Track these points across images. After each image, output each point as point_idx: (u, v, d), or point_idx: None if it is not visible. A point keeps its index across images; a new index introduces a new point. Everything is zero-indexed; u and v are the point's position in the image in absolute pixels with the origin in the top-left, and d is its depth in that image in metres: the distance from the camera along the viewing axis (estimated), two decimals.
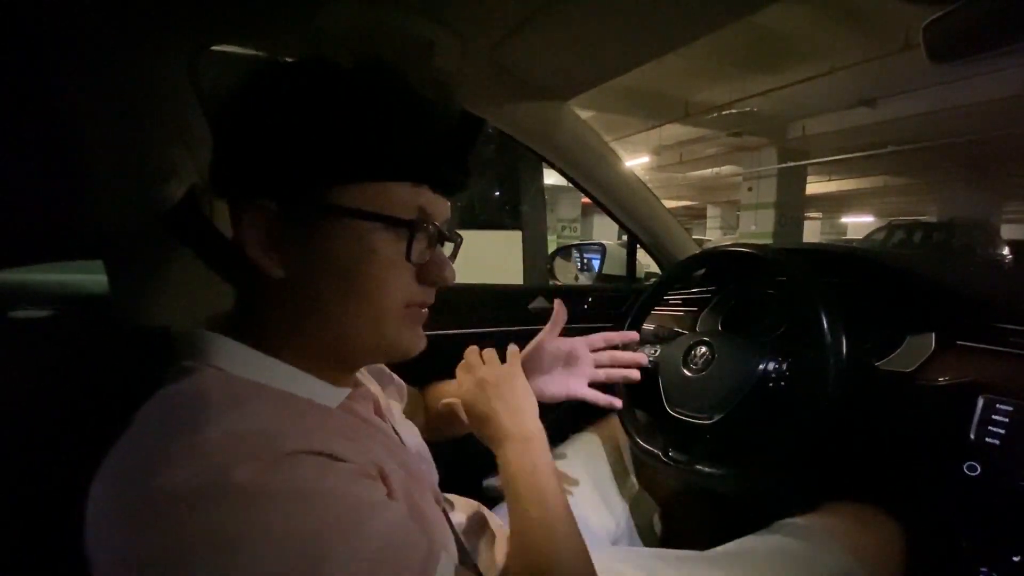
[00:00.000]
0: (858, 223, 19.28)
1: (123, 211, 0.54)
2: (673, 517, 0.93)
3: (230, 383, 0.35)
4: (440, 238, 0.43)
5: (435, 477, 0.55)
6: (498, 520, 0.68)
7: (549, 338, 0.69)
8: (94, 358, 0.51)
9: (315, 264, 0.37)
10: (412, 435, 0.55)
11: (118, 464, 0.31)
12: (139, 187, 0.56)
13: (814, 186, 11.44)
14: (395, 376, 0.65)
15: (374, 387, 0.54)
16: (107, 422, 0.33)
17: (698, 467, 0.73)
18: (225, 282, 0.44)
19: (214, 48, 0.68)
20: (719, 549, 0.69)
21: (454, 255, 0.48)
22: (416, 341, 0.44)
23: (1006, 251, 7.51)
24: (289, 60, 0.39)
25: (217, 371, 0.36)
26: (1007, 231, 11.86)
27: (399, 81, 0.38)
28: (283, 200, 0.37)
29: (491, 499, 0.80)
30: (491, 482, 1.00)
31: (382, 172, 0.38)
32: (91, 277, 0.60)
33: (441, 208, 0.42)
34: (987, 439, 0.61)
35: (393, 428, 0.51)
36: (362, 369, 0.55)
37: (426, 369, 0.74)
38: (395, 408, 0.58)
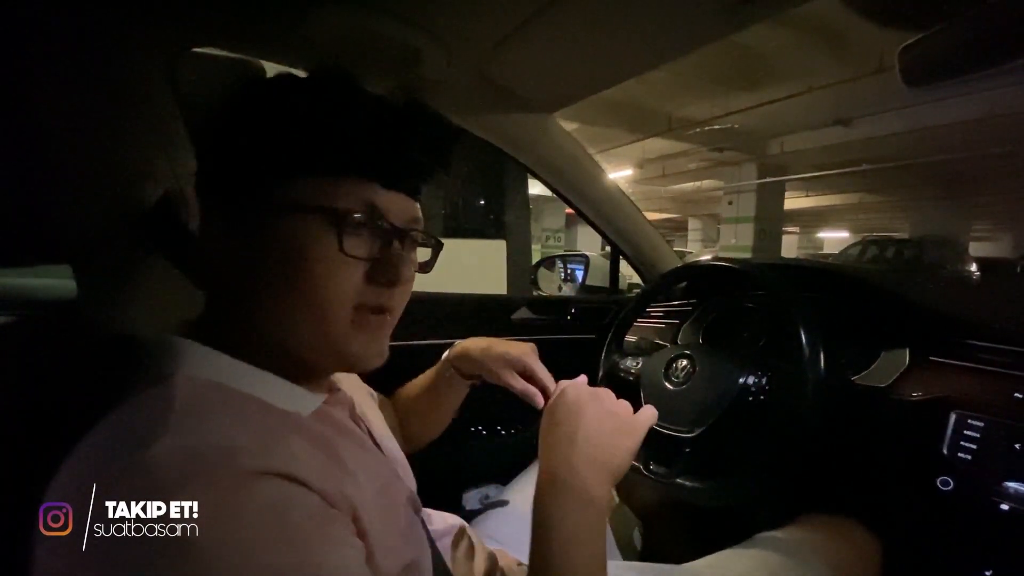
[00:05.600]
0: (834, 238, 19.79)
1: (94, 214, 0.52)
2: (653, 530, 0.93)
3: (198, 390, 0.33)
4: (394, 235, 0.40)
5: (413, 485, 0.54)
6: (476, 534, 0.67)
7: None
8: (61, 365, 0.49)
9: (261, 263, 0.37)
10: (390, 443, 0.54)
11: (66, 479, 0.29)
12: (112, 190, 0.54)
13: (792, 201, 11.71)
14: (366, 386, 0.64)
15: (351, 390, 0.53)
16: (74, 432, 0.31)
17: (678, 480, 0.73)
18: (197, 288, 0.43)
19: (195, 50, 0.67)
20: (699, 562, 0.69)
21: (432, 262, 0.46)
22: (370, 350, 0.40)
23: (973, 267, 7.78)
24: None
25: (187, 378, 0.34)
26: (974, 249, 12.27)
27: (340, 75, 0.38)
28: (231, 198, 0.38)
29: (469, 512, 0.79)
30: (470, 495, 0.99)
31: (321, 166, 0.37)
32: (57, 282, 0.58)
33: (397, 206, 0.40)
34: (959, 454, 0.62)
35: (370, 433, 0.50)
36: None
37: (406, 379, 0.73)
38: (371, 413, 0.56)
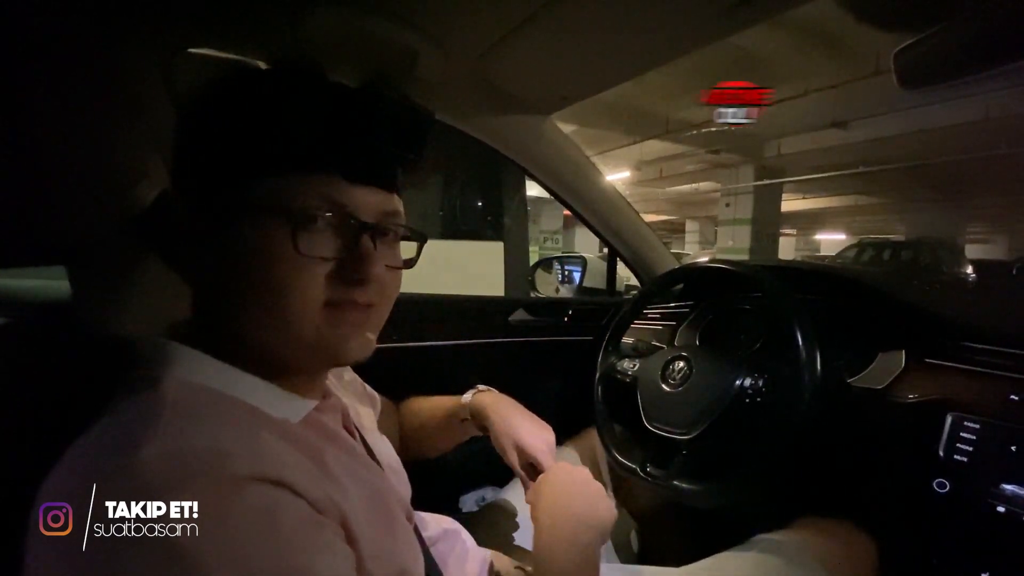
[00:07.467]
0: (831, 240, 19.87)
1: (89, 215, 0.52)
2: (650, 533, 0.93)
3: (188, 395, 0.33)
4: (363, 231, 0.38)
5: (407, 492, 0.54)
6: (473, 537, 0.67)
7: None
8: (54, 367, 0.49)
9: (232, 265, 0.36)
10: (384, 448, 0.54)
11: (61, 480, 0.29)
12: (107, 191, 0.54)
13: (789, 203, 11.76)
14: (367, 387, 0.64)
15: (345, 396, 0.52)
16: (67, 434, 0.31)
17: (675, 482, 0.73)
18: (192, 289, 0.42)
19: (191, 51, 0.67)
20: (695, 565, 0.69)
21: (416, 257, 0.44)
22: (350, 344, 0.39)
23: (969, 270, 7.81)
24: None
25: (177, 382, 0.34)
26: (970, 251, 12.32)
27: (293, 67, 0.37)
28: (201, 199, 0.37)
29: (466, 514, 0.79)
30: (467, 497, 0.98)
31: (277, 163, 0.35)
32: (52, 283, 0.57)
33: (367, 200, 0.38)
34: (955, 456, 0.62)
35: (363, 440, 0.49)
36: (331, 377, 0.54)
37: (403, 380, 0.73)
38: (366, 419, 0.56)
